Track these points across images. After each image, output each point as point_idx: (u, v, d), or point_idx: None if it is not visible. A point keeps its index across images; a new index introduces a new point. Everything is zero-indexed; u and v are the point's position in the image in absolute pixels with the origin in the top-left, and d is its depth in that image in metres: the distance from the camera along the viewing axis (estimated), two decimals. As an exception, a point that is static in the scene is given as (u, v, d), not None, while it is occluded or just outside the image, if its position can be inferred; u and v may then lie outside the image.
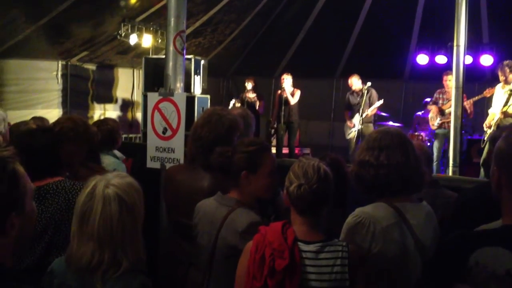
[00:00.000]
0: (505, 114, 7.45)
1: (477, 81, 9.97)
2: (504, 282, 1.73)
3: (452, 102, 6.22)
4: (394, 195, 2.46)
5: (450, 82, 8.73)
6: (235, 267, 2.41)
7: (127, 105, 11.54)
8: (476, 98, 8.40)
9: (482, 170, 7.59)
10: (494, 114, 7.62)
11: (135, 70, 11.57)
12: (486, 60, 10.35)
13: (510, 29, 10.43)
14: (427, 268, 2.22)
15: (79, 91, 10.47)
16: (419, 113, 10.33)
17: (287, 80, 10.06)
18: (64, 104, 10.14)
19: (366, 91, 9.51)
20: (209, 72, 10.19)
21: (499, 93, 7.69)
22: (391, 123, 9.97)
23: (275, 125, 10.45)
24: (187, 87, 8.43)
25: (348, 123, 10.02)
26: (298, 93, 10.14)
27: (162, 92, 4.37)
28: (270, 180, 2.73)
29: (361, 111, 9.45)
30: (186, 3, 4.53)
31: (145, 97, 8.96)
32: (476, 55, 10.34)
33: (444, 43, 9.87)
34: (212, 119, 3.18)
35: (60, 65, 9.98)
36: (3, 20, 7.86)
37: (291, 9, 12.44)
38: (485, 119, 7.89)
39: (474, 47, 10.00)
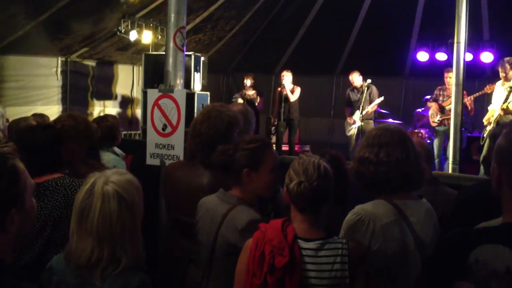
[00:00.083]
0: (505, 111, 7.44)
1: (478, 78, 9.98)
2: (504, 280, 1.73)
3: (452, 99, 6.22)
4: (394, 192, 2.46)
5: (451, 79, 8.76)
6: (234, 264, 2.41)
7: (126, 101, 11.53)
8: (477, 94, 8.41)
9: (482, 167, 7.59)
10: (493, 111, 7.61)
11: (135, 66, 11.56)
12: (487, 57, 10.35)
13: (511, 26, 10.42)
14: (427, 265, 2.21)
15: (79, 88, 10.46)
16: (419, 110, 10.33)
17: (287, 77, 10.05)
18: (63, 100, 10.14)
19: (366, 88, 9.51)
20: (209, 69, 10.18)
21: (499, 90, 7.68)
22: (391, 120, 9.97)
23: (276, 123, 10.44)
24: (187, 83, 8.42)
25: (348, 119, 10.02)
26: (298, 90, 10.13)
27: (162, 88, 4.36)
28: (272, 177, 2.72)
29: (361, 108, 9.45)
30: (186, -1, 4.52)
31: (144, 94, 8.96)
32: (476, 52, 10.34)
33: (445, 40, 9.88)
34: (212, 115, 3.17)
35: (59, 61, 9.97)
36: (3, 16, 7.85)
37: (291, 6, 12.42)
38: (485, 116, 7.88)
39: (474, 44, 10.00)
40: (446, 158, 7.26)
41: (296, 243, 2.23)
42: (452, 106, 6.27)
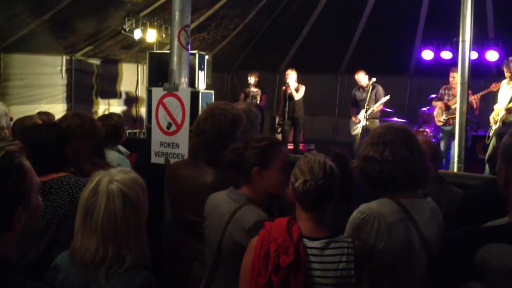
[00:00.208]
0: (509, 110, 7.42)
1: (483, 77, 9.94)
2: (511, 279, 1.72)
3: (458, 98, 6.20)
4: (398, 190, 2.46)
5: (454, 79, 8.77)
6: (240, 263, 2.41)
7: (131, 100, 11.54)
8: (483, 92, 8.38)
9: (487, 166, 7.57)
10: (499, 110, 7.60)
11: (139, 65, 11.56)
12: (492, 55, 10.31)
13: (516, 25, 10.40)
14: (433, 264, 2.21)
15: (84, 86, 10.47)
16: (424, 109, 10.31)
17: (291, 76, 10.04)
18: (68, 99, 10.15)
19: (371, 87, 9.50)
20: (213, 67, 10.18)
21: (504, 89, 7.67)
22: (395, 119, 9.95)
23: (281, 121, 10.43)
24: (191, 82, 8.42)
25: (354, 119, 10.01)
26: (302, 88, 10.13)
27: (166, 87, 4.36)
28: (282, 176, 2.69)
29: (366, 107, 9.44)
30: (191, -3, 4.52)
31: (149, 92, 8.96)
32: (481, 51, 10.30)
33: (450, 38, 9.83)
34: (215, 113, 3.16)
35: (64, 60, 9.98)
36: (7, 14, 7.86)
37: (295, 4, 12.40)
38: (490, 115, 7.86)
39: (479, 42, 9.96)
40: (452, 157, 7.24)
41: (301, 242, 2.22)
42: (457, 105, 6.25)
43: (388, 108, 10.10)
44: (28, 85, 9.29)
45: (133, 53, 11.09)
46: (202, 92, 9.07)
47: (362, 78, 9.92)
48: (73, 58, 10.14)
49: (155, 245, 2.37)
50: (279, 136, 10.48)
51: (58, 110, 9.60)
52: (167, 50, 8.47)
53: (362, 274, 2.23)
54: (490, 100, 8.56)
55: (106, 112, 8.91)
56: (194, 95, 7.81)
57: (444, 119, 9.02)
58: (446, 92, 9.15)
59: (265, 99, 10.82)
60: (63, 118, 3.62)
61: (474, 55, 9.58)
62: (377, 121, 9.65)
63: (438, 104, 9.19)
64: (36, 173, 1.68)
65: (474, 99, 8.12)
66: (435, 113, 9.27)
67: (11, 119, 4.47)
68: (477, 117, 9.15)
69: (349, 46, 12.58)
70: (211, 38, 12.04)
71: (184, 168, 3.28)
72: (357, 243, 2.27)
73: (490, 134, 7.63)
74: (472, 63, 6.18)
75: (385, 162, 2.44)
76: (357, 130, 9.78)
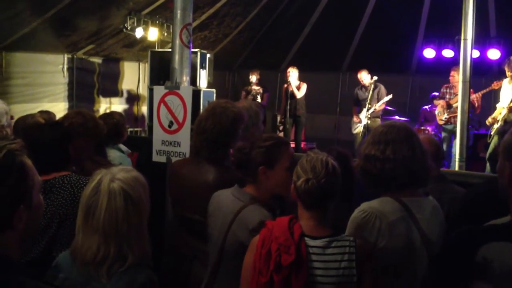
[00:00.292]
0: (511, 109, 7.41)
1: (484, 75, 9.91)
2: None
3: (459, 96, 6.19)
4: (400, 189, 2.46)
5: (453, 77, 8.78)
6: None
7: (132, 98, 11.55)
8: (485, 91, 8.37)
9: (488, 164, 7.56)
10: (501, 109, 7.58)
11: (140, 63, 11.57)
12: (493, 54, 10.30)
13: (518, 23, 10.38)
14: (434, 263, 2.21)
15: (85, 85, 10.48)
16: (426, 107, 10.30)
17: (293, 74, 10.03)
18: (70, 97, 10.16)
19: (374, 86, 9.49)
20: (215, 66, 10.18)
21: (506, 88, 7.65)
22: (397, 117, 9.94)
23: (283, 119, 10.42)
24: (193, 80, 8.42)
25: (355, 118, 10.00)
26: (304, 86, 10.12)
27: (168, 85, 4.36)
28: (288, 176, 2.63)
29: (368, 106, 9.44)
30: (193, -4, 4.52)
31: (150, 91, 8.96)
32: (483, 49, 10.29)
33: (451, 37, 9.82)
34: (216, 111, 3.16)
35: (66, 58, 9.99)
36: (9, 13, 7.86)
37: (297, 3, 12.39)
38: (492, 114, 7.85)
39: (481, 41, 9.96)
40: (453, 156, 7.23)
41: (302, 241, 2.22)
42: (459, 104, 6.24)
43: (390, 107, 10.10)
44: (29, 84, 9.30)
45: (135, 52, 11.09)
46: (204, 91, 9.08)
47: (364, 77, 9.90)
48: (75, 56, 10.14)
49: (157, 244, 2.37)
50: (281, 135, 10.48)
51: (60, 108, 9.61)
52: (169, 48, 8.48)
53: (363, 273, 2.22)
54: (491, 98, 8.54)
55: (108, 111, 8.91)
56: (196, 93, 7.81)
57: (445, 118, 9.01)
58: (448, 90, 9.14)
59: (267, 97, 10.82)
60: (66, 116, 3.62)
61: (476, 54, 9.57)
62: (378, 120, 9.65)
63: (440, 103, 9.17)
64: (37, 172, 1.68)
65: (475, 97, 8.11)
66: (436, 111, 9.26)
67: (11, 117, 4.46)
68: (478, 115, 9.14)
69: (351, 45, 12.57)
70: (213, 37, 12.03)
71: (186, 167, 3.28)
72: (358, 242, 2.26)
73: (492, 133, 7.62)
74: (474, 62, 6.17)
75: (387, 161, 2.44)
76: (359, 128, 9.78)
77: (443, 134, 9.12)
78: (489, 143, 7.60)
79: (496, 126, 7.56)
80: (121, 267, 1.99)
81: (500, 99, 7.74)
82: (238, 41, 12.86)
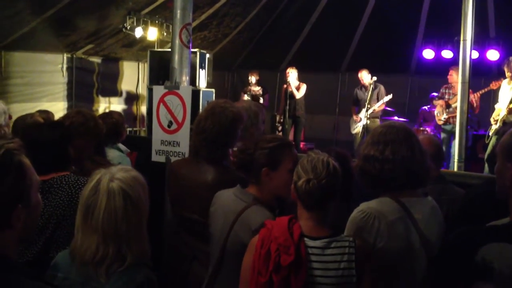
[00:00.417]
0: (510, 111, 7.41)
1: (484, 76, 9.92)
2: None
3: (458, 97, 6.19)
4: (399, 189, 2.46)
5: (451, 76, 8.79)
6: None
7: (132, 98, 11.54)
8: (483, 91, 8.38)
9: (486, 165, 7.56)
10: (500, 110, 7.58)
11: (140, 63, 11.56)
12: (493, 55, 10.31)
13: (517, 24, 10.39)
14: (433, 264, 2.21)
15: (84, 84, 10.46)
16: (425, 107, 10.30)
17: (292, 74, 10.03)
18: (69, 97, 10.15)
19: (374, 87, 9.49)
20: (214, 66, 10.17)
21: (505, 89, 7.65)
22: (396, 118, 9.95)
23: (282, 120, 10.42)
24: (192, 80, 8.41)
25: (355, 117, 10.00)
26: (303, 87, 10.12)
27: (167, 85, 4.36)
28: (291, 177, 2.63)
29: (367, 106, 9.44)
30: (193, -4, 4.51)
31: (150, 91, 8.95)
32: (482, 50, 10.31)
33: (451, 37, 9.84)
34: (216, 111, 3.16)
35: (65, 58, 9.98)
36: (8, 12, 7.85)
37: (296, 3, 12.39)
38: (491, 114, 7.85)
39: (480, 41, 9.97)
40: (452, 156, 7.24)
41: (302, 241, 2.22)
42: (458, 104, 6.24)
43: (389, 107, 10.10)
44: (29, 83, 9.29)
45: (134, 52, 11.08)
46: (203, 91, 9.07)
47: (365, 76, 9.88)
48: (74, 56, 10.13)
49: (156, 243, 2.37)
50: (279, 135, 10.48)
51: (59, 108, 9.60)
52: (168, 48, 8.46)
53: (363, 274, 2.22)
54: (490, 99, 8.55)
55: (107, 110, 8.91)
56: (195, 93, 7.80)
57: (444, 118, 9.02)
58: (447, 91, 9.15)
59: (267, 98, 10.82)
60: (66, 116, 3.61)
61: (475, 54, 9.58)
62: (378, 120, 9.65)
63: (439, 103, 9.18)
64: (36, 171, 1.68)
65: (474, 97, 8.11)
66: (436, 112, 9.27)
67: (10, 117, 4.46)
68: (477, 116, 9.15)
69: (350, 45, 12.57)
70: (212, 37, 12.03)
71: (185, 167, 3.28)
72: (358, 243, 2.26)
73: (490, 134, 7.62)
74: (473, 63, 6.17)
75: (386, 161, 2.44)
76: (358, 129, 9.78)
77: (442, 135, 9.12)
78: (488, 144, 7.60)
79: (494, 127, 7.56)
80: (120, 266, 1.98)
81: (499, 100, 7.74)
82: (237, 41, 12.86)
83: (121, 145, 4.54)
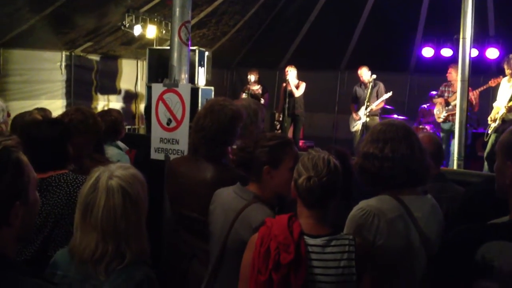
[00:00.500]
0: (510, 109, 7.41)
1: (483, 74, 9.92)
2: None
3: (458, 95, 6.19)
4: (398, 187, 2.45)
5: (450, 74, 8.80)
6: None
7: (130, 96, 11.54)
8: (482, 88, 8.38)
9: (485, 163, 7.57)
10: (499, 108, 7.58)
11: (139, 61, 11.56)
12: (492, 53, 10.32)
13: (517, 22, 10.39)
14: (433, 262, 2.21)
15: (83, 82, 10.46)
16: (424, 106, 10.30)
17: (291, 73, 10.03)
18: (68, 95, 10.14)
19: (373, 84, 9.48)
20: (213, 64, 10.17)
21: (504, 87, 7.64)
22: (396, 116, 9.94)
23: (281, 118, 10.41)
24: (191, 78, 8.41)
25: (354, 115, 9.99)
26: (303, 85, 10.11)
27: (166, 83, 4.34)
28: (292, 175, 2.61)
29: (366, 103, 9.43)
30: (192, -7, 4.50)
31: (149, 88, 8.95)
32: (482, 48, 10.31)
33: (450, 35, 9.85)
34: (215, 109, 3.15)
35: (64, 55, 9.97)
36: (7, 9, 7.85)
37: (295, 1, 12.39)
38: (490, 113, 7.85)
39: (480, 40, 9.98)
40: (452, 154, 7.24)
41: (302, 239, 2.21)
42: (457, 102, 6.24)
43: (388, 105, 10.10)
44: (27, 81, 9.29)
45: (133, 49, 11.08)
46: (202, 89, 9.07)
47: (365, 73, 9.84)
48: (73, 54, 10.13)
49: (155, 241, 2.37)
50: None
51: (57, 106, 9.60)
52: (167, 46, 8.45)
53: (363, 272, 2.22)
54: (490, 97, 8.55)
55: (106, 108, 8.90)
56: (194, 91, 7.79)
57: (444, 116, 9.03)
58: (446, 89, 9.16)
59: (267, 97, 10.82)
60: (65, 113, 3.60)
61: (475, 53, 9.59)
62: (377, 118, 9.64)
63: (439, 101, 9.19)
64: (35, 169, 1.67)
65: (473, 95, 8.11)
66: (435, 110, 9.27)
67: (8, 115, 4.45)
68: (476, 114, 9.15)
69: (349, 43, 12.57)
70: (211, 35, 12.02)
71: (184, 165, 3.27)
72: (358, 241, 2.26)
73: (489, 132, 7.62)
74: (473, 61, 6.18)
75: (385, 159, 2.43)
76: (357, 127, 9.77)
77: (441, 135, 9.13)
78: (487, 142, 7.60)
79: (493, 125, 7.56)
80: (119, 264, 1.98)
81: (498, 98, 7.74)
82: (236, 39, 12.85)
83: (120, 143, 4.54)
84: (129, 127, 10.55)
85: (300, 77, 10.24)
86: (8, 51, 8.88)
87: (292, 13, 12.60)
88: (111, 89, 11.12)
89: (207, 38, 11.99)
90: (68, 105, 9.90)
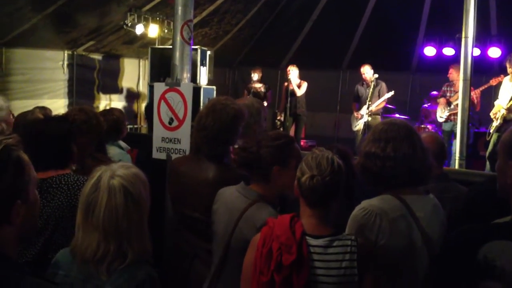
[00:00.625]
0: (509, 109, 7.40)
1: (485, 73, 9.90)
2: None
3: (460, 94, 6.18)
4: (400, 187, 2.45)
5: (451, 74, 8.80)
6: None
7: (132, 95, 11.54)
8: (483, 87, 8.37)
9: (487, 163, 7.55)
10: (500, 106, 7.56)
11: (141, 60, 11.56)
12: (494, 52, 10.29)
13: (519, 21, 10.37)
14: (435, 262, 2.20)
15: (85, 81, 10.48)
16: (426, 105, 10.29)
17: (293, 72, 10.02)
18: (70, 94, 10.16)
19: (375, 84, 9.46)
20: (215, 63, 10.17)
21: (506, 86, 7.63)
22: (397, 115, 9.93)
23: (282, 117, 10.40)
24: (193, 77, 8.40)
25: (356, 114, 9.98)
26: (304, 85, 10.10)
27: (168, 82, 4.34)
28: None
29: (367, 102, 9.41)
30: (194, -8, 4.50)
31: (151, 88, 8.95)
32: (484, 47, 10.28)
33: (452, 35, 9.82)
34: (216, 108, 3.14)
35: (66, 54, 9.98)
36: (9, 8, 7.85)
37: (297, 0, 12.38)
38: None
39: (482, 39, 9.95)
40: (454, 154, 7.24)
41: (304, 240, 2.21)
42: (459, 102, 6.24)
43: (390, 105, 10.08)
44: (29, 80, 9.30)
45: (135, 48, 11.08)
46: (204, 88, 9.06)
47: (367, 70, 9.77)
48: (75, 53, 10.14)
49: (157, 241, 2.36)
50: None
51: (60, 105, 9.61)
52: (169, 45, 8.46)
53: (365, 272, 2.21)
54: (492, 97, 8.53)
55: (108, 108, 8.90)
56: (196, 90, 7.80)
57: (446, 115, 9.02)
58: (448, 89, 9.15)
59: (270, 95, 10.81)
60: (68, 113, 3.59)
61: (477, 52, 9.55)
62: (379, 117, 9.62)
63: (441, 101, 9.18)
64: (37, 167, 1.67)
65: (474, 94, 8.09)
66: (437, 110, 9.27)
67: (12, 115, 4.45)
68: (478, 114, 9.14)
69: (351, 43, 12.56)
70: (213, 34, 12.02)
71: (186, 164, 3.26)
72: (360, 241, 2.26)
73: (491, 131, 7.61)
74: (475, 60, 6.17)
75: (387, 159, 2.43)
76: (359, 126, 9.75)
77: (443, 133, 9.12)
78: (489, 141, 7.59)
79: (495, 124, 7.55)
80: (121, 264, 1.97)
81: (499, 96, 7.73)
82: (238, 38, 12.85)
83: (121, 142, 4.53)
84: (131, 126, 10.56)
85: (302, 76, 10.23)
86: (10, 50, 8.89)
87: (294, 12, 12.59)
88: (113, 88, 11.13)
89: (209, 37, 11.99)
90: (70, 104, 9.91)
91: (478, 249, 1.76)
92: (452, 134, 8.77)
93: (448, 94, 9.11)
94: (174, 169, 3.36)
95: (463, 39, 6.02)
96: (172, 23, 7.29)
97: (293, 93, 10.02)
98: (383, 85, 9.69)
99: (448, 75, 9.11)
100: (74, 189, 2.72)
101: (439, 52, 10.88)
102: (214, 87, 9.46)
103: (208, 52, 9.66)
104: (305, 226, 2.25)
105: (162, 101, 4.32)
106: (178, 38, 4.40)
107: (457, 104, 7.14)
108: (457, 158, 6.14)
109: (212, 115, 3.12)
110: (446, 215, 2.61)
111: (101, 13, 9.29)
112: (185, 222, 3.17)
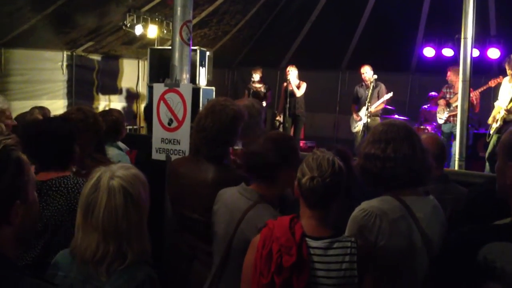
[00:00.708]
0: (509, 111, 7.40)
1: (484, 74, 9.90)
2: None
3: (459, 95, 6.18)
4: (400, 188, 2.45)
5: (449, 77, 8.82)
6: None
7: (132, 96, 11.54)
8: (482, 88, 8.37)
9: (487, 164, 7.56)
10: (500, 107, 7.57)
11: (140, 61, 11.56)
12: (493, 53, 10.29)
13: (518, 22, 10.37)
14: (435, 263, 2.20)
15: (84, 82, 10.47)
16: (425, 106, 10.29)
17: (292, 73, 10.01)
18: (69, 94, 10.15)
19: (374, 85, 9.45)
20: (214, 64, 10.17)
21: (506, 87, 7.63)
22: (397, 116, 9.93)
23: (281, 118, 10.40)
24: (192, 78, 8.40)
25: (355, 116, 9.97)
26: (304, 85, 10.09)
27: (168, 83, 4.34)
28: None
29: (367, 104, 9.40)
30: (193, -8, 4.50)
31: (150, 88, 8.94)
32: (483, 48, 10.29)
33: (451, 35, 9.81)
34: (216, 109, 3.14)
35: (65, 55, 9.98)
36: (8, 9, 7.85)
37: (296, 1, 12.38)
38: (492, 112, 7.84)
39: (481, 40, 9.95)
40: (453, 155, 7.25)
41: (304, 241, 2.21)
42: (459, 103, 6.24)
43: (389, 106, 10.08)
44: (28, 81, 9.29)
45: (134, 49, 11.08)
46: (203, 89, 9.06)
47: (367, 71, 9.72)
48: (74, 53, 10.13)
49: (156, 242, 2.36)
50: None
51: (59, 106, 9.61)
52: (168, 46, 8.46)
53: (364, 274, 2.21)
54: (491, 98, 8.54)
55: (107, 108, 8.90)
56: (195, 91, 7.79)
57: (445, 117, 9.03)
58: (448, 90, 9.16)
59: (270, 95, 10.81)
60: (66, 113, 3.59)
61: (476, 53, 9.56)
62: (378, 118, 9.60)
63: (440, 102, 9.19)
64: (37, 168, 1.67)
65: (474, 95, 8.10)
66: (437, 111, 9.28)
67: (10, 117, 4.44)
68: (478, 115, 9.15)
69: (351, 43, 12.56)
70: (213, 34, 12.02)
71: (185, 165, 3.26)
72: (360, 243, 2.26)
73: (491, 132, 7.61)
74: (474, 61, 6.18)
75: (387, 160, 2.43)
76: (358, 127, 9.74)
77: (442, 134, 9.12)
78: (489, 143, 7.59)
79: (494, 125, 7.55)
80: (121, 265, 1.97)
81: (499, 98, 7.73)
82: (237, 39, 12.85)
83: (120, 143, 4.53)
84: (130, 127, 10.55)
85: (301, 77, 10.22)
86: (9, 51, 8.88)
87: (293, 13, 12.59)
88: (112, 89, 11.12)
89: (208, 37, 11.99)
90: (69, 105, 9.90)
91: (478, 250, 1.76)
92: (451, 135, 8.78)
93: (448, 96, 9.12)
94: (173, 170, 3.35)
95: (462, 40, 6.03)
96: (171, 23, 7.30)
97: (292, 93, 10.01)
98: (382, 86, 9.68)
99: (446, 78, 9.12)
100: (74, 192, 2.71)
101: (438, 53, 10.89)
102: (213, 88, 9.46)
103: (207, 53, 9.66)
104: (304, 228, 2.25)
105: (162, 102, 4.31)
106: (177, 38, 4.39)
107: (456, 106, 7.15)
108: (456, 159, 6.14)
109: (211, 116, 3.12)
110: (447, 216, 2.61)
111: (100, 13, 9.29)
112: (184, 223, 3.16)
